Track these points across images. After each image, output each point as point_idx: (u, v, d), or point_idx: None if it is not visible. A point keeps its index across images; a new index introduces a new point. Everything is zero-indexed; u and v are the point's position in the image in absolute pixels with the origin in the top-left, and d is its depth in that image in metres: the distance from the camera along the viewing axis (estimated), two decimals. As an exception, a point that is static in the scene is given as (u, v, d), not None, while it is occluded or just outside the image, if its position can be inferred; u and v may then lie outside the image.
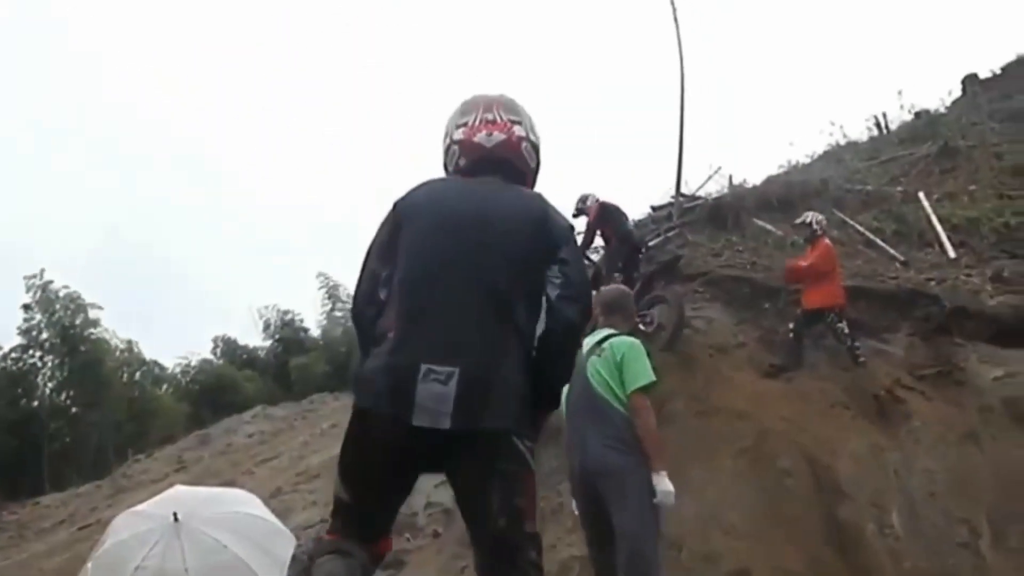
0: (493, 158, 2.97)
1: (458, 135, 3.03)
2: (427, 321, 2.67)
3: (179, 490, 5.40)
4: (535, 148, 3.08)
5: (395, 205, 2.96)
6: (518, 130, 3.02)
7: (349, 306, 3.28)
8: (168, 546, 4.68)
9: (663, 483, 4.82)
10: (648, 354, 5.23)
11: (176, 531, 4.73)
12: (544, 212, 2.90)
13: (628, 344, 5.19)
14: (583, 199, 10.61)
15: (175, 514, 4.78)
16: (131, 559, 4.67)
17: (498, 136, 2.98)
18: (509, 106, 3.07)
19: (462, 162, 3.02)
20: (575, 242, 3.05)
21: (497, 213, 2.84)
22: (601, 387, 5.05)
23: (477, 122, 3.01)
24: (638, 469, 4.83)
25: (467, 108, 3.07)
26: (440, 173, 3.13)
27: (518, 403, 2.66)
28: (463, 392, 2.53)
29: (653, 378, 5.05)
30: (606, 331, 5.36)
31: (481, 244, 2.76)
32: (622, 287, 6.98)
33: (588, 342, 5.19)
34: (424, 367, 2.56)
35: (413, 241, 2.83)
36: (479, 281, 2.71)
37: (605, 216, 10.42)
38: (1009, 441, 8.07)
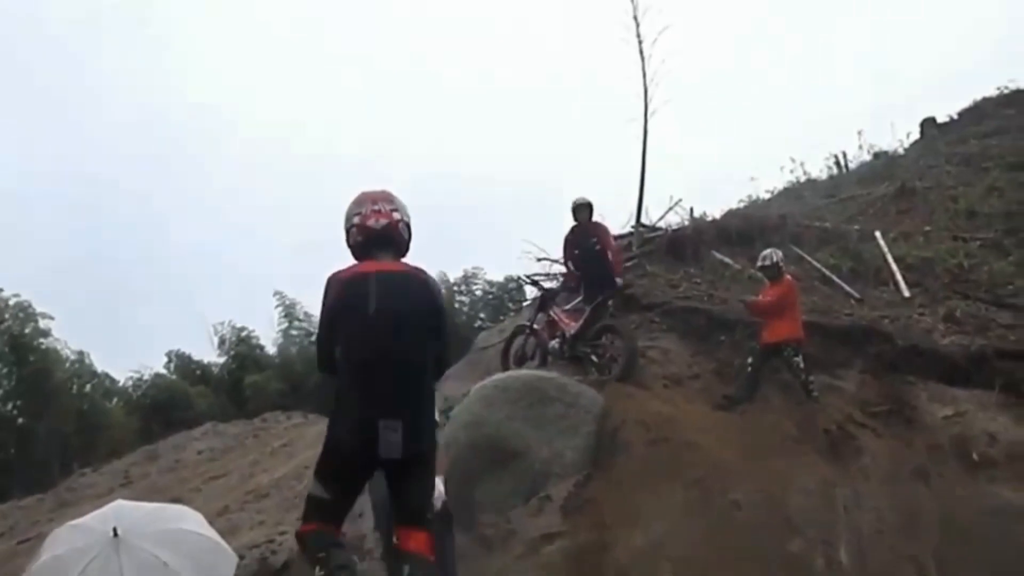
0: (381, 237, 4.39)
1: (356, 220, 4.42)
2: (377, 390, 4.07)
3: (120, 504, 5.27)
4: (408, 227, 4.51)
5: (334, 283, 4.28)
6: (396, 215, 4.43)
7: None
8: (107, 561, 4.56)
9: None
10: None
11: (115, 546, 4.61)
12: (431, 292, 4.41)
13: None
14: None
15: (115, 529, 4.66)
16: (68, 574, 4.55)
17: (383, 221, 4.40)
18: (389, 199, 4.48)
19: (359, 239, 4.40)
20: (445, 306, 4.59)
21: (409, 309, 4.24)
22: None
23: (368, 212, 4.41)
24: None
25: (360, 201, 4.46)
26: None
27: (432, 433, 4.32)
28: (406, 435, 4.01)
29: None
30: None
31: (407, 334, 4.20)
32: None
33: None
34: (382, 422, 3.99)
35: (354, 333, 4.17)
36: (406, 361, 4.16)
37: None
38: (956, 480, 8.15)
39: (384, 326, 4.14)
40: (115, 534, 4.63)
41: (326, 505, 4.20)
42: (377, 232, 4.37)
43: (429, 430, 4.25)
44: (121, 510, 5.07)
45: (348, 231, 4.44)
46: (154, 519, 5.06)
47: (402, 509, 4.25)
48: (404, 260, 4.47)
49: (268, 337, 29.23)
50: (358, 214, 4.41)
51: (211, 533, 5.28)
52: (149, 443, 18.39)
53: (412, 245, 4.56)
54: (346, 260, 4.46)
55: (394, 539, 4.32)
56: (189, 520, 5.28)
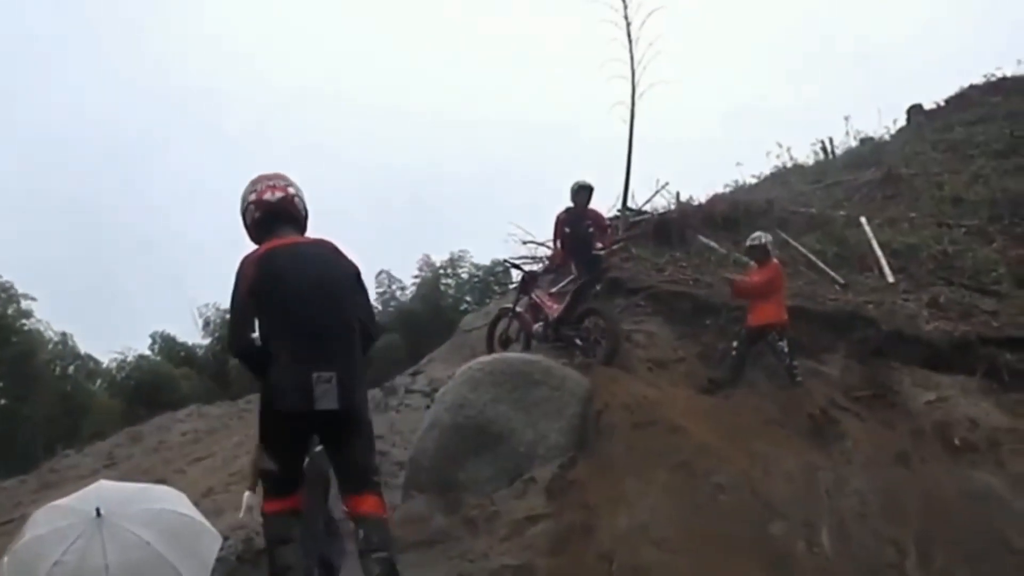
0: (277, 209, 4.51)
1: (252, 198, 4.54)
2: (309, 349, 4.20)
3: (103, 485, 5.22)
4: (303, 201, 4.64)
5: (248, 265, 4.36)
6: (291, 190, 4.59)
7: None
8: (89, 542, 4.49)
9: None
10: None
11: (97, 526, 4.54)
12: (355, 269, 4.58)
13: None
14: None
15: (97, 509, 4.62)
16: (49, 554, 4.48)
17: (279, 194, 4.54)
18: (282, 176, 4.64)
19: (257, 215, 4.52)
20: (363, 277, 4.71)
21: (333, 274, 4.44)
22: None
23: (263, 188, 4.54)
24: None
25: (254, 181, 4.60)
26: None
27: (364, 389, 4.53)
28: (342, 388, 4.15)
29: None
30: None
31: (329, 296, 4.35)
32: None
33: None
34: (315, 375, 4.13)
35: (279, 303, 4.28)
36: (334, 321, 4.32)
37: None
38: (938, 464, 8.19)
39: (309, 291, 4.29)
40: (98, 514, 4.59)
41: (277, 478, 4.40)
42: (274, 204, 4.51)
43: (362, 390, 4.43)
44: (104, 490, 5.02)
45: (245, 212, 4.59)
46: (138, 499, 5.00)
47: (347, 475, 4.41)
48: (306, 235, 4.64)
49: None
50: (253, 192, 4.56)
51: (195, 513, 5.23)
52: (133, 425, 18.31)
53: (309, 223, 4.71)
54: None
55: (344, 509, 4.53)
56: (173, 500, 5.23)
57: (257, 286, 4.30)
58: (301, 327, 4.23)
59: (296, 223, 4.57)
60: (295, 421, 4.23)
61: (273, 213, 4.50)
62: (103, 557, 4.45)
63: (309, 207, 4.70)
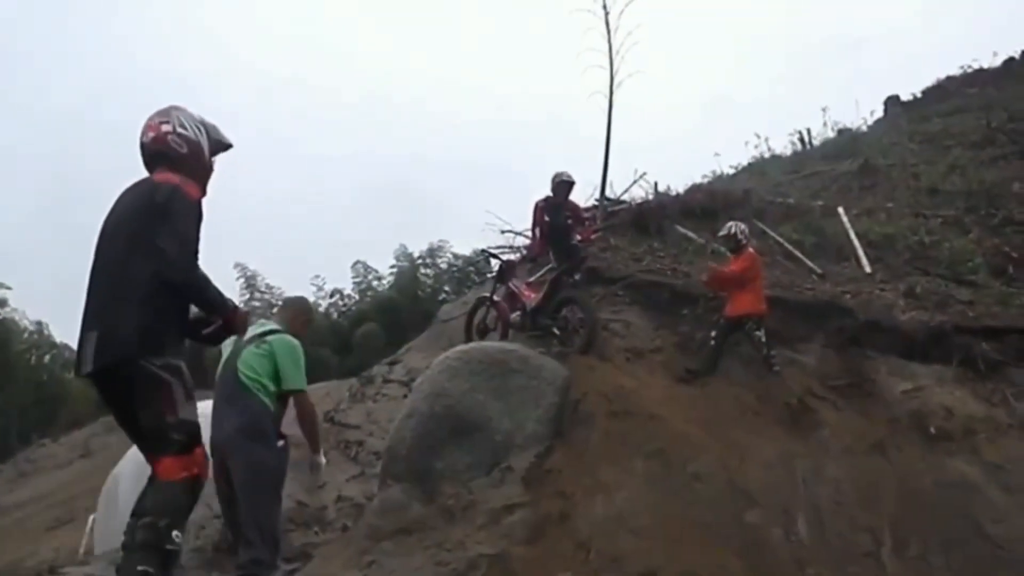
0: (150, 150, 4.09)
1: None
2: (86, 303, 3.86)
3: None
4: (184, 138, 4.11)
5: None
6: (165, 127, 4.08)
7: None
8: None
9: (319, 458, 6.14)
10: (306, 355, 5.89)
11: None
12: (150, 192, 3.89)
13: (289, 345, 5.80)
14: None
15: None
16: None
17: (150, 135, 4.08)
18: (162, 112, 4.15)
19: (142, 159, 4.12)
20: (176, 199, 3.85)
21: (120, 209, 3.97)
22: (248, 377, 5.63)
23: (142, 130, 4.11)
24: (263, 453, 5.53)
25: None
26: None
27: (139, 335, 3.68)
28: (98, 345, 3.69)
29: (304, 388, 5.82)
30: (271, 325, 5.98)
31: (111, 237, 3.91)
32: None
33: (251, 331, 5.73)
34: (82, 336, 3.76)
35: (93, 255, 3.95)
36: (106, 264, 3.86)
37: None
38: (914, 453, 8.24)
39: (99, 243, 3.97)
40: None
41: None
42: (146, 147, 4.11)
43: (130, 342, 3.67)
44: None
45: None
46: None
47: (140, 437, 3.91)
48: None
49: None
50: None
51: None
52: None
53: (200, 157, 4.19)
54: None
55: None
56: None
57: None
58: (89, 283, 3.89)
59: (169, 162, 4.06)
60: (89, 385, 4.00)
61: (148, 156, 4.10)
62: None
63: (197, 140, 4.17)
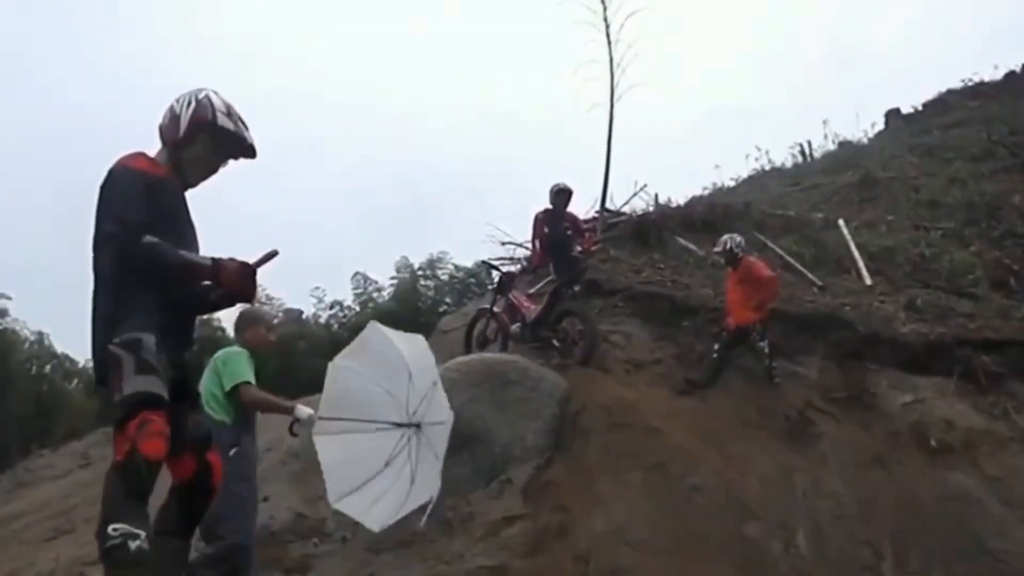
0: (160, 135, 3.91)
1: None
2: None
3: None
4: (168, 110, 3.89)
5: None
6: (166, 109, 3.89)
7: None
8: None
9: (298, 413, 5.78)
10: (251, 361, 5.79)
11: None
12: (101, 190, 3.68)
13: (227, 353, 5.80)
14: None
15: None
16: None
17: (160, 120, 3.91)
18: (179, 97, 3.94)
19: None
20: (109, 181, 3.69)
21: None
22: (203, 398, 5.42)
23: None
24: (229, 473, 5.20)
25: None
26: None
27: (103, 324, 3.59)
28: (92, 354, 3.62)
29: (248, 378, 5.67)
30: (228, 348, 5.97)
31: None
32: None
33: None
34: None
35: None
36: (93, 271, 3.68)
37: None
38: (914, 466, 8.22)
39: None
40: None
41: None
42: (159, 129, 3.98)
43: (103, 341, 3.55)
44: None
45: None
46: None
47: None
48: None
49: (227, 319, 28.97)
50: None
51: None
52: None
53: (175, 131, 3.90)
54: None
55: None
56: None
57: None
58: None
59: (164, 143, 3.92)
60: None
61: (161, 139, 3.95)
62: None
63: (179, 117, 3.90)
